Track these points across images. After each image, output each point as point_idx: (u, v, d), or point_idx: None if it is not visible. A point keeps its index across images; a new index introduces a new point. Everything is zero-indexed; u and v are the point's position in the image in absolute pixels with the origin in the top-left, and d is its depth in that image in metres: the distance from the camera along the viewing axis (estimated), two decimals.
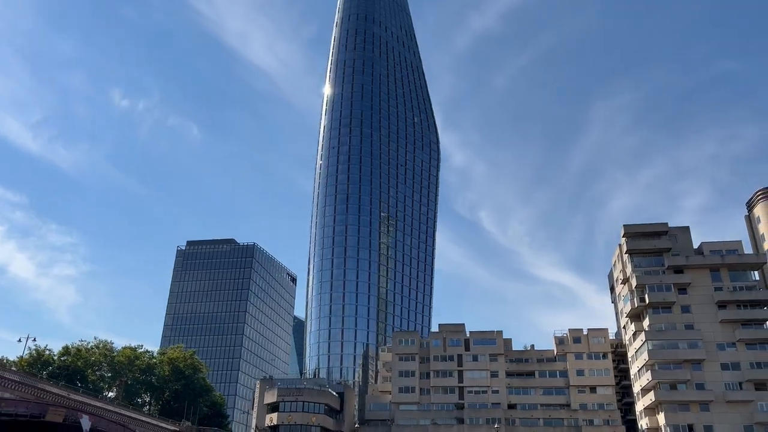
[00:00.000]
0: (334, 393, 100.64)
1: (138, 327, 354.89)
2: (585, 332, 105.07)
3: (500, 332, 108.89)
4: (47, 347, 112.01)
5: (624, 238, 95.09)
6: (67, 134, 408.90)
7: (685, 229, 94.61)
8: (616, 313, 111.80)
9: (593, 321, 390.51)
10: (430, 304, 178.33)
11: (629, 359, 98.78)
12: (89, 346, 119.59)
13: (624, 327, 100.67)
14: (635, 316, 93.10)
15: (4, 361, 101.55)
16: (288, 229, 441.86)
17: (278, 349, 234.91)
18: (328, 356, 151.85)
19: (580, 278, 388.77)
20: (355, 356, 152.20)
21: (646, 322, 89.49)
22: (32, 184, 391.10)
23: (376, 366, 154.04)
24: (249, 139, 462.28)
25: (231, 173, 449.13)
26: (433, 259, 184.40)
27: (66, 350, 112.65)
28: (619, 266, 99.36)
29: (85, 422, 59.66)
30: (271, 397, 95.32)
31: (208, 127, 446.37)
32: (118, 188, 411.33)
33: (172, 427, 79.31)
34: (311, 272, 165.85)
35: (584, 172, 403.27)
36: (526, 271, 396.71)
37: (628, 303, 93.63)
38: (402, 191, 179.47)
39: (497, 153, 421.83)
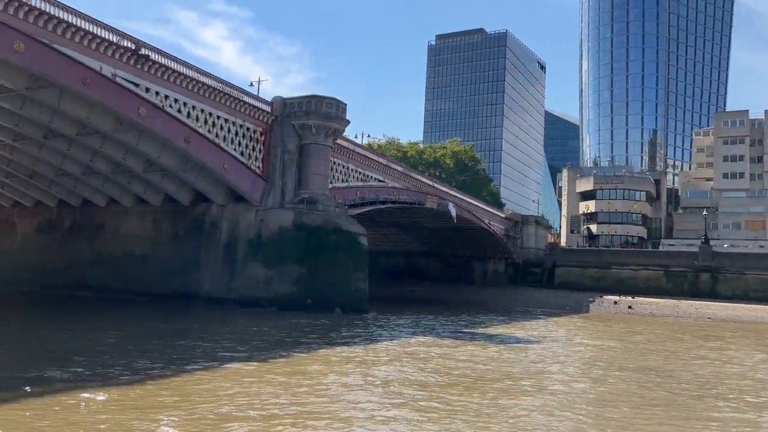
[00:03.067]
0: (651, 180, 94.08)
1: (387, 126, 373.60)
2: None
3: None
4: None
5: None
6: None
7: None
8: None
9: None
10: (725, 84, 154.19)
11: None
12: (381, 143, 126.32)
13: None
14: None
15: None
16: (521, 12, 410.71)
17: (533, 141, 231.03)
18: (611, 144, 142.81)
19: None
20: (642, 143, 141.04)
21: None
22: None
23: (665, 153, 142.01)
24: None
25: None
26: (730, 28, 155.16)
27: (369, 145, 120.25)
28: None
29: (452, 209, 61.87)
30: (585, 185, 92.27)
31: None
32: None
33: (503, 215, 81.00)
34: (585, 56, 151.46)
35: None
36: None
37: None
38: None
39: None
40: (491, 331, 34.91)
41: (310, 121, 39.47)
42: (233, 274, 39.21)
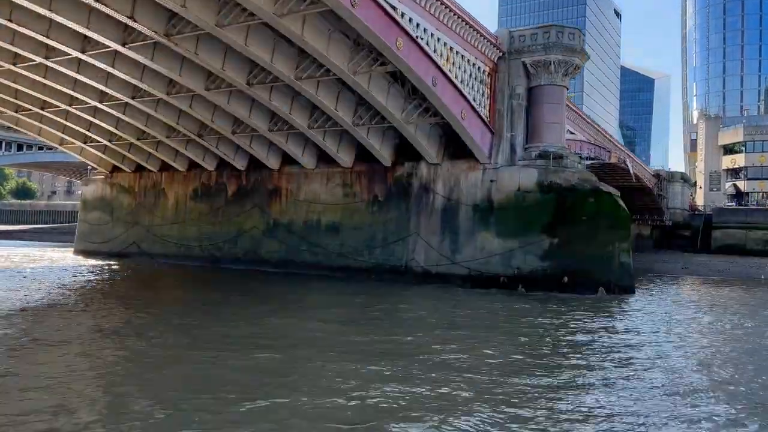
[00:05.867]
0: None
1: None
2: None
3: None
4: None
5: None
6: None
7: None
8: None
9: None
10: None
11: None
12: None
13: None
14: None
15: None
16: None
17: (611, 95, 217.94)
18: (723, 94, 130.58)
19: None
20: (759, 91, 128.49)
21: None
22: None
23: None
24: None
25: None
26: None
27: None
28: None
29: (630, 164, 54.23)
30: (732, 137, 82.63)
31: None
32: None
33: (651, 171, 72.69)
34: None
35: None
36: None
37: None
38: None
39: None
40: None
41: (550, 56, 31.96)
42: (456, 246, 32.65)
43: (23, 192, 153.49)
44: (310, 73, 27.49)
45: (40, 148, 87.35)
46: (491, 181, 32.33)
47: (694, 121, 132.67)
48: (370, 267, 35.01)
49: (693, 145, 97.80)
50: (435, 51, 27.11)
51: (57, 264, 39.84)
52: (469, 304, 25.83)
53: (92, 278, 32.59)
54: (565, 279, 29.92)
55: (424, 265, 33.43)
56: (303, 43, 24.15)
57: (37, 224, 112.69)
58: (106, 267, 38.28)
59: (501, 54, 32.68)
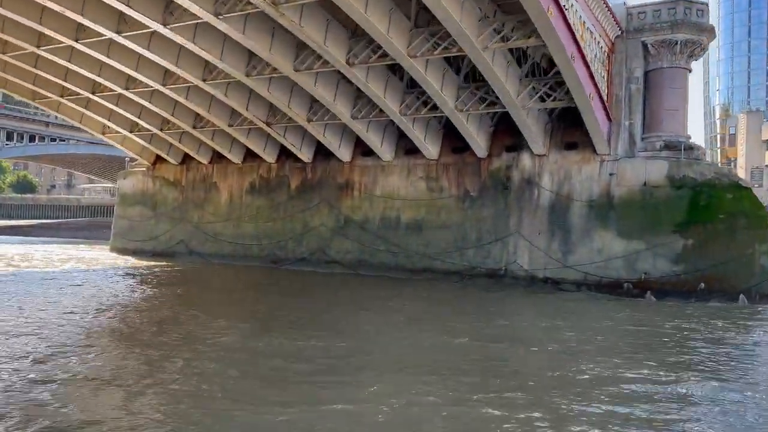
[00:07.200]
0: None
1: None
2: None
3: None
4: None
5: None
6: None
7: None
8: None
9: None
10: None
11: None
12: None
13: None
14: None
15: None
16: None
17: None
18: (747, 88, 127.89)
19: None
20: None
21: None
22: None
23: None
24: None
25: None
26: None
27: None
28: None
29: None
30: None
31: None
32: None
33: None
34: None
35: None
36: None
37: None
38: None
39: None
40: None
41: (676, 35, 28.44)
42: (568, 247, 29.16)
43: (23, 185, 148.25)
44: (425, 49, 23.87)
45: (53, 140, 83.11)
46: (610, 174, 28.85)
47: (717, 116, 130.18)
48: (460, 269, 31.49)
49: (731, 140, 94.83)
50: (573, 24, 23.57)
51: (113, 265, 35.84)
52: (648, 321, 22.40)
53: (176, 287, 28.75)
54: (702, 285, 26.55)
55: (528, 268, 29.94)
56: (441, 9, 20.46)
57: (41, 219, 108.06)
58: (168, 269, 34.51)
59: (619, 32, 29.16)
